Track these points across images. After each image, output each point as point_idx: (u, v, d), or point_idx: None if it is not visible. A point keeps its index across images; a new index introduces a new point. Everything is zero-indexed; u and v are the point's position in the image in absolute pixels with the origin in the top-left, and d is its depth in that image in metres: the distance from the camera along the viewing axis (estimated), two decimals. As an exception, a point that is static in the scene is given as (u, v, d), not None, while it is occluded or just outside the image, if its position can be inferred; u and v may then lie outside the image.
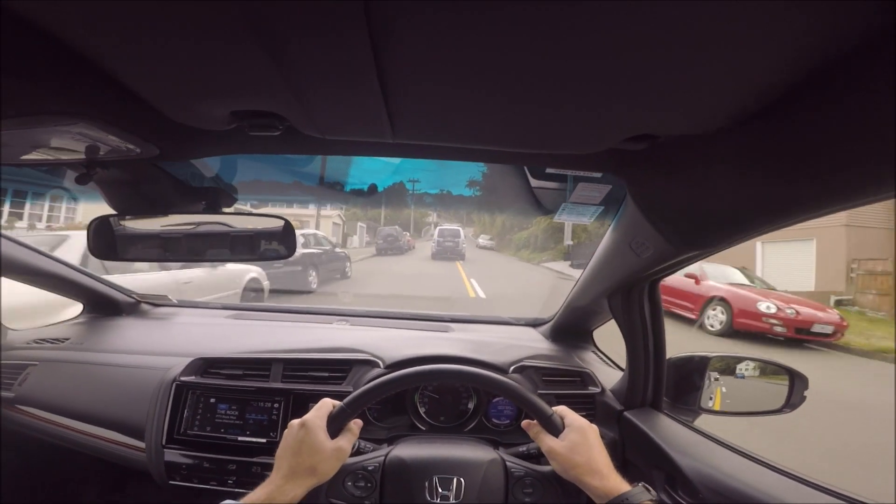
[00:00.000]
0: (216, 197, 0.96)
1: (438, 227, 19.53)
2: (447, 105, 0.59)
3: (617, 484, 0.81)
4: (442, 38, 0.43)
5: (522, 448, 1.06)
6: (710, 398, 1.28)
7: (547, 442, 0.89)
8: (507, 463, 0.98)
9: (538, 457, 1.02)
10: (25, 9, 0.41)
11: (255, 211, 0.99)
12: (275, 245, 1.03)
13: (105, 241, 0.97)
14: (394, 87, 0.53)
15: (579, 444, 0.86)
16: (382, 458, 0.98)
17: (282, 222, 1.01)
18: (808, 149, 0.54)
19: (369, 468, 0.96)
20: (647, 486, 0.81)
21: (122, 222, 0.99)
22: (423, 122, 0.66)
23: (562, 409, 0.93)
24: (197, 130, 0.70)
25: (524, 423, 0.94)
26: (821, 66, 0.45)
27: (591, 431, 0.89)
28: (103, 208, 0.97)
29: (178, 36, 0.44)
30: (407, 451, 1.00)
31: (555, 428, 0.89)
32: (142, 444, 1.22)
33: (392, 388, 0.93)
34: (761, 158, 0.60)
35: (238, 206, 1.02)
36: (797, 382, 1.20)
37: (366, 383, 1.02)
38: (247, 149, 0.82)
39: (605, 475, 0.82)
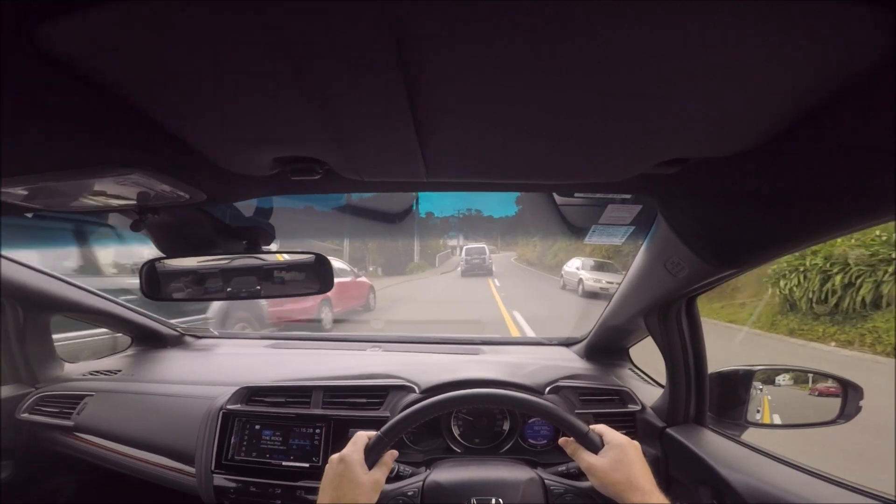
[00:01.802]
0: (256, 235, 1.00)
1: (465, 248, 20.22)
2: (480, 144, 0.61)
3: (659, 501, 0.79)
4: (473, 80, 0.45)
5: (562, 468, 1.05)
6: (758, 411, 1.24)
7: (585, 458, 0.87)
8: (546, 481, 0.97)
9: (578, 476, 1.00)
10: (90, 69, 0.44)
11: (291, 249, 1.03)
12: (312, 280, 1.06)
13: (159, 282, 1.02)
14: (428, 131, 0.55)
15: (619, 461, 0.84)
16: (421, 482, 0.98)
17: (322, 258, 1.04)
18: (836, 166, 0.54)
19: (409, 493, 0.96)
20: None
21: (173, 264, 1.03)
22: (456, 162, 0.68)
23: (600, 428, 0.92)
24: (241, 176, 0.74)
25: (561, 440, 0.93)
26: (844, 87, 0.46)
27: (632, 448, 0.87)
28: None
29: (230, 90, 0.47)
30: (444, 474, 1.00)
31: (593, 445, 0.88)
32: (192, 469, 1.26)
33: (425, 415, 0.93)
34: (790, 177, 0.60)
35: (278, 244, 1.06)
36: (850, 393, 1.16)
37: (402, 409, 1.04)
38: (287, 191, 0.86)
39: (648, 492, 0.80)
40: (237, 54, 0.41)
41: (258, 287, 1.02)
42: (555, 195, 1.01)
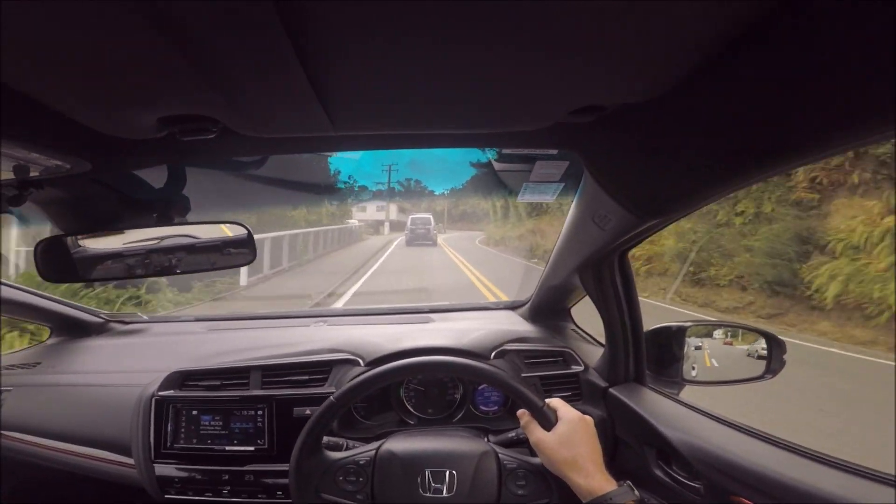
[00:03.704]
0: (167, 207, 0.92)
1: (410, 217, 19.81)
2: (384, 91, 0.57)
3: (601, 483, 0.78)
4: (363, 26, 0.41)
5: (512, 434, 1.05)
6: (693, 368, 1.28)
7: (536, 433, 0.86)
8: (500, 455, 0.96)
9: (526, 441, 1.01)
10: None
11: (211, 219, 0.96)
12: (238, 250, 1.00)
13: (58, 262, 0.93)
14: (323, 78, 0.51)
15: (568, 439, 0.83)
16: (373, 451, 0.96)
17: (242, 229, 0.98)
18: (753, 104, 0.53)
19: (360, 462, 0.94)
20: (631, 485, 0.79)
21: (79, 243, 0.94)
22: (362, 111, 0.63)
23: (556, 402, 0.91)
24: (127, 141, 0.66)
25: (519, 412, 0.92)
26: (760, 19, 0.44)
27: (583, 425, 0.86)
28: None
29: (82, 44, 0.41)
30: (398, 444, 0.98)
31: (546, 420, 0.87)
32: (131, 461, 1.20)
33: (381, 382, 0.93)
34: (710, 118, 0.59)
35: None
36: (775, 347, 1.20)
37: (349, 380, 1.00)
38: (183, 156, 0.78)
39: (591, 473, 0.80)
40: (89, 9, 0.35)
41: (175, 263, 0.95)
42: (493, 163, 0.98)
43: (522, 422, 0.90)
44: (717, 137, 0.61)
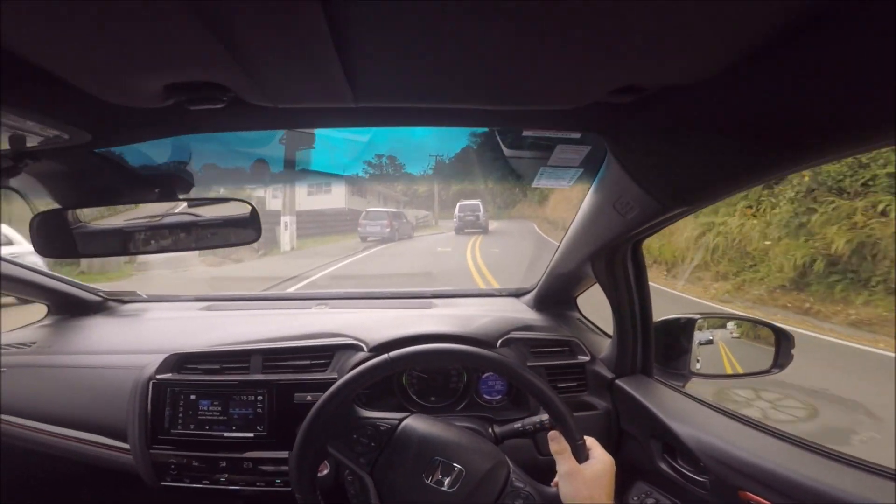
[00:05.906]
0: (170, 184, 0.88)
1: (459, 204, 19.10)
2: (413, 61, 0.53)
3: None
4: None
5: (517, 425, 1.00)
6: (697, 361, 1.27)
7: (570, 463, 0.82)
8: (512, 471, 0.90)
9: (533, 433, 0.98)
10: None
11: (215, 196, 0.93)
12: (241, 230, 0.97)
13: (55, 237, 0.90)
14: (351, 45, 0.47)
15: (600, 478, 0.82)
16: (397, 422, 0.92)
17: (246, 206, 0.96)
18: (803, 96, 0.51)
19: (381, 427, 0.90)
20: None
21: (78, 217, 0.91)
22: (387, 81, 0.60)
23: (591, 441, 0.87)
24: (130, 110, 0.62)
25: (551, 434, 0.86)
26: (815, 9, 0.42)
27: (612, 469, 0.84)
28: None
29: (85, 2, 0.38)
30: (421, 423, 0.93)
31: (580, 455, 0.83)
32: (127, 446, 1.18)
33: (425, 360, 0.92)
34: (753, 106, 0.57)
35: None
36: (783, 341, 1.18)
37: (350, 369, 0.97)
38: (190, 127, 0.74)
39: None
40: None
41: (176, 240, 0.93)
42: (501, 144, 0.95)
43: (555, 447, 0.85)
44: (758, 125, 0.58)
